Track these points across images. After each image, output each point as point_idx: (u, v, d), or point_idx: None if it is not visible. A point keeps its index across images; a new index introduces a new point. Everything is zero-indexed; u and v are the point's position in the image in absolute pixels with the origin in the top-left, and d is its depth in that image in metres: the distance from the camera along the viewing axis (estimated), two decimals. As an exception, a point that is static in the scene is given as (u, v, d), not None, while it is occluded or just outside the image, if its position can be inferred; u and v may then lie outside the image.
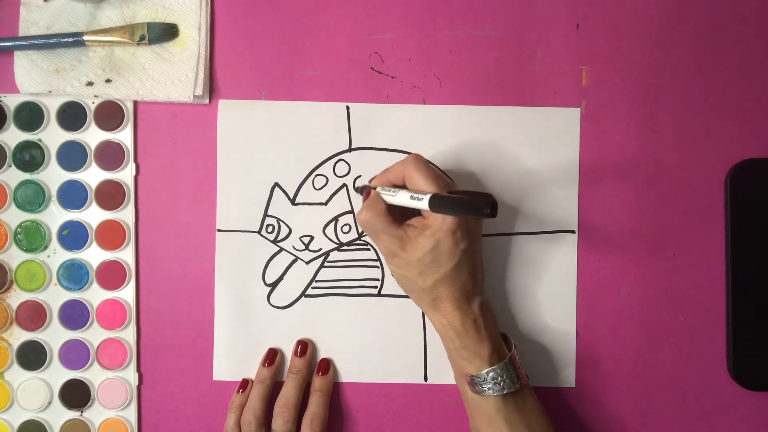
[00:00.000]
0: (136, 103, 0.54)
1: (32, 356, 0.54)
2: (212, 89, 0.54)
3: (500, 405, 0.46)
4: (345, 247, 0.54)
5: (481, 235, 0.50)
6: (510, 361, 0.47)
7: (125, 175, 0.54)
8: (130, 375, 0.54)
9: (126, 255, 0.54)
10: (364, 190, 0.49)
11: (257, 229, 0.54)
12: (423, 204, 0.45)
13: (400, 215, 0.48)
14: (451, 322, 0.47)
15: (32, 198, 0.53)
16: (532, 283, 0.54)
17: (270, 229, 0.54)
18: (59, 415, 0.54)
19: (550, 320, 0.54)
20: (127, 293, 0.54)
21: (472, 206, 0.42)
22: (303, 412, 0.52)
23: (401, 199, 0.46)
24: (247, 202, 0.54)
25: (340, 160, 0.54)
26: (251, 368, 0.54)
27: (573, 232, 0.54)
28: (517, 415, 0.47)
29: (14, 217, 0.54)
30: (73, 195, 0.53)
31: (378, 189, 0.48)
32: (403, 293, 0.54)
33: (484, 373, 0.46)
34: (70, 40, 0.52)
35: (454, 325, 0.47)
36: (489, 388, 0.46)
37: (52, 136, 0.53)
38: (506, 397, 0.46)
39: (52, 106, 0.53)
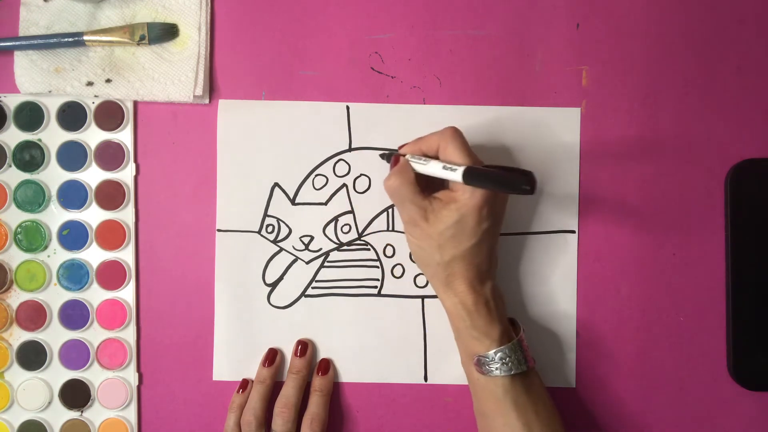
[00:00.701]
0: (136, 103, 0.54)
1: (32, 356, 0.54)
2: (212, 89, 0.54)
3: (508, 386, 0.46)
4: (345, 247, 0.54)
5: (502, 218, 0.49)
6: (518, 343, 0.47)
7: (125, 175, 0.54)
8: (130, 375, 0.54)
9: (126, 255, 0.54)
10: (392, 157, 0.49)
11: (257, 229, 0.54)
12: (456, 175, 0.44)
13: (425, 187, 0.48)
14: (463, 301, 0.47)
15: (32, 198, 0.53)
16: (532, 283, 0.54)
17: (270, 229, 0.54)
18: (59, 415, 0.54)
19: (550, 320, 0.54)
20: (127, 293, 0.54)
21: (509, 181, 0.42)
22: (303, 412, 0.52)
23: (432, 168, 0.46)
24: (247, 202, 0.54)
25: (340, 160, 0.54)
26: (251, 368, 0.54)
27: (573, 232, 0.54)
28: (525, 398, 0.47)
29: (14, 217, 0.54)
30: (73, 195, 0.53)
31: (408, 157, 0.48)
32: (404, 293, 0.54)
33: (492, 353, 0.46)
34: (70, 40, 0.52)
35: (466, 304, 0.47)
36: (497, 368, 0.46)
37: (52, 136, 0.53)
38: (514, 379, 0.46)
39: (52, 106, 0.53)
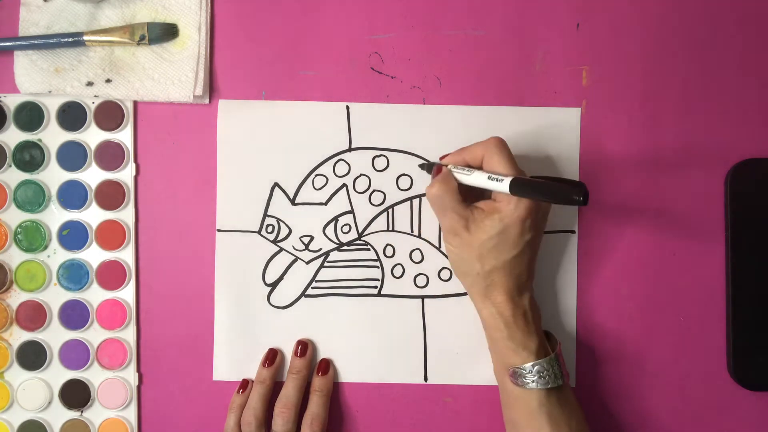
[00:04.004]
0: (136, 103, 0.54)
1: (32, 356, 0.54)
2: (212, 89, 0.54)
3: (543, 399, 0.46)
4: (345, 247, 0.54)
5: (543, 230, 0.49)
6: (556, 357, 0.47)
7: (125, 175, 0.54)
8: (130, 375, 0.54)
9: (126, 255, 0.54)
10: (433, 167, 0.49)
11: (257, 229, 0.54)
12: (503, 186, 0.44)
13: (465, 197, 0.48)
14: (501, 312, 0.47)
15: (32, 198, 0.53)
16: (532, 283, 0.54)
17: (270, 229, 0.54)
18: (59, 415, 0.54)
19: (550, 320, 0.54)
20: (127, 293, 0.54)
21: (561, 192, 0.41)
22: (303, 413, 0.52)
23: (477, 179, 0.46)
24: (247, 202, 0.54)
25: (340, 160, 0.54)
26: (251, 368, 0.54)
27: (573, 232, 0.54)
28: (559, 411, 0.47)
29: (14, 217, 0.54)
30: (73, 195, 0.53)
31: (450, 167, 0.48)
32: (404, 293, 0.54)
33: (529, 366, 0.46)
34: (70, 40, 0.52)
35: (504, 315, 0.47)
36: (533, 381, 0.46)
37: (52, 136, 0.53)
38: (549, 392, 0.46)
39: (52, 106, 0.53)
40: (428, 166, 0.51)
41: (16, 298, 0.54)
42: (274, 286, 0.54)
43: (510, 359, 0.47)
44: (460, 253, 0.48)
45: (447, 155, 0.50)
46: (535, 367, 0.46)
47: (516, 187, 0.44)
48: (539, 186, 0.43)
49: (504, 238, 0.46)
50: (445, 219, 0.48)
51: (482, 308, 0.48)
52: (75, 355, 0.54)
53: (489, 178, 0.45)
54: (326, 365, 0.53)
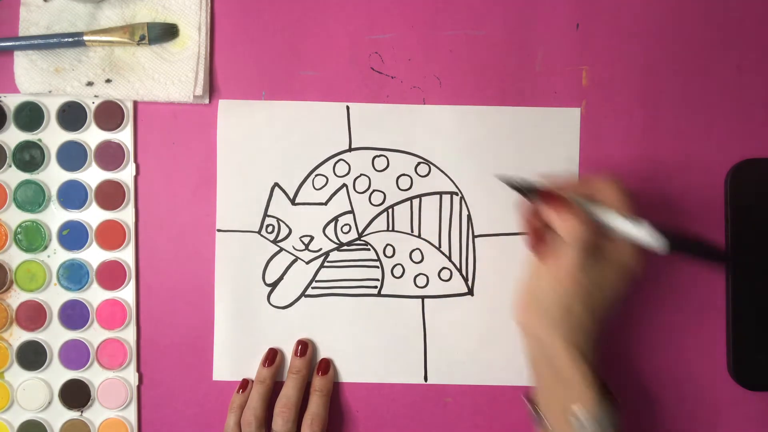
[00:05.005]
0: (136, 103, 0.54)
1: (32, 356, 0.54)
2: (212, 89, 0.54)
3: None
4: (345, 247, 0.54)
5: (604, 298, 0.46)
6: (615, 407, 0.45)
7: (125, 175, 0.54)
8: (130, 375, 0.54)
9: (126, 255, 0.54)
10: (539, 192, 0.45)
11: (257, 229, 0.54)
12: (640, 231, 0.43)
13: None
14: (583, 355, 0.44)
15: (32, 198, 0.53)
16: (532, 283, 0.54)
17: (270, 229, 0.54)
18: (59, 415, 0.54)
19: (550, 320, 0.54)
20: (127, 293, 0.54)
21: (712, 253, 0.44)
22: (303, 412, 0.52)
23: (610, 218, 0.44)
24: (247, 202, 0.54)
25: (340, 160, 0.54)
26: (251, 368, 0.54)
27: (573, 232, 0.54)
28: None
29: (14, 217, 0.54)
30: (73, 195, 0.53)
31: (576, 199, 0.44)
32: (404, 293, 0.54)
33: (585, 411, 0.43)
34: (70, 40, 0.52)
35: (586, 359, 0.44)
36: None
37: (52, 136, 0.53)
38: None
39: (52, 106, 0.53)
40: (529, 188, 0.46)
41: (16, 298, 0.54)
42: (274, 286, 0.54)
43: (565, 402, 0.44)
44: (576, 290, 0.44)
45: (562, 185, 0.46)
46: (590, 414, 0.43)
47: (672, 243, 0.42)
48: (691, 244, 0.44)
49: (613, 286, 0.45)
50: (578, 255, 0.43)
51: (561, 350, 0.44)
52: (75, 355, 0.54)
53: (626, 220, 0.43)
54: (326, 365, 0.53)
